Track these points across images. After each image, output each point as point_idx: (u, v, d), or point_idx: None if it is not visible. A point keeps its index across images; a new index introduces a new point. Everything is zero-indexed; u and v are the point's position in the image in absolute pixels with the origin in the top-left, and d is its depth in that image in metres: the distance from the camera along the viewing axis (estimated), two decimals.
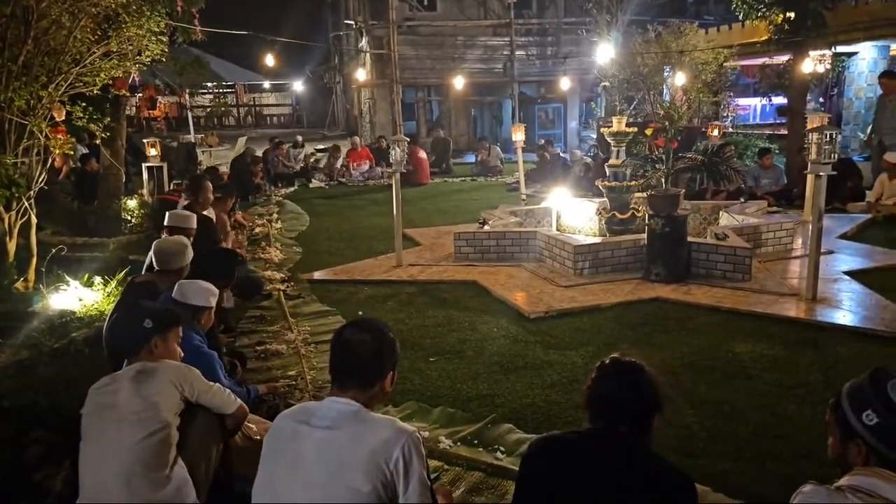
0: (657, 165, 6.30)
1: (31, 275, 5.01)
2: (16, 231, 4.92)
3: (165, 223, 4.41)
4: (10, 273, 4.81)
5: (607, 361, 1.82)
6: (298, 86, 26.68)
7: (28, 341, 4.12)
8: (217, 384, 2.46)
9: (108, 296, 4.81)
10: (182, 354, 2.52)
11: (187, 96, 15.99)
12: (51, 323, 4.34)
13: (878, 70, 12.40)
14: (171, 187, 8.89)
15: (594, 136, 14.68)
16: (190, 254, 3.59)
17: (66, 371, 3.84)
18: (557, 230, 6.93)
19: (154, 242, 3.71)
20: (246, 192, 10.17)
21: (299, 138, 13.47)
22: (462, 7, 18.02)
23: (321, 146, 14.29)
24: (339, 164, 12.81)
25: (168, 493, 2.09)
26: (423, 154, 12.47)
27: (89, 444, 2.15)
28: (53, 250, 5.23)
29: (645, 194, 6.16)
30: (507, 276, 5.76)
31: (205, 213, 5.20)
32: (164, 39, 5.89)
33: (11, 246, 4.89)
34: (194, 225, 4.44)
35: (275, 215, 8.97)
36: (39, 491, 2.68)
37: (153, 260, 3.60)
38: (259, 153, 12.23)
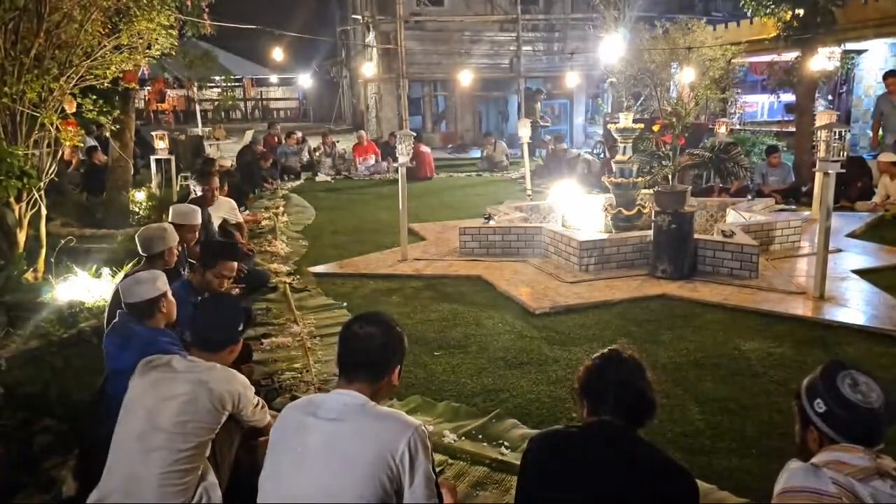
0: (664, 162, 6.29)
1: (41, 265, 5.05)
2: (26, 222, 4.96)
3: (170, 220, 4.42)
4: (20, 263, 4.85)
5: (607, 352, 1.84)
6: (305, 80, 26.65)
7: (37, 331, 4.17)
8: (259, 399, 2.44)
9: (115, 286, 4.84)
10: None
11: (195, 89, 16.04)
12: (60, 313, 4.38)
13: (887, 67, 12.31)
14: (180, 181, 8.91)
15: (600, 132, 14.63)
16: (171, 237, 3.58)
17: (74, 361, 3.89)
18: (563, 226, 6.92)
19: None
20: (252, 185, 10.19)
21: (299, 134, 13.48)
22: (469, 2, 17.96)
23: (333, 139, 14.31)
24: (326, 150, 12.99)
25: (197, 494, 2.10)
26: (425, 149, 12.52)
27: (126, 431, 2.12)
28: (62, 241, 5.28)
29: (651, 191, 6.15)
30: (512, 271, 5.76)
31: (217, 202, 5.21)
32: (174, 33, 5.92)
33: (22, 237, 4.93)
34: (198, 221, 4.43)
35: (281, 208, 8.99)
36: (47, 480, 2.70)
37: (139, 249, 3.59)
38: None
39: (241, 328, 2.42)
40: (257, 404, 2.40)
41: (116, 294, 3.57)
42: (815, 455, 1.65)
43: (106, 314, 3.57)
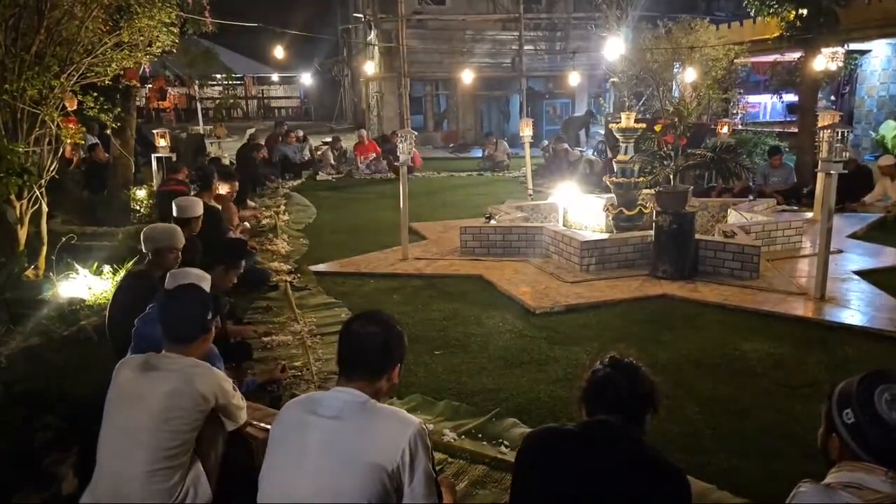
0: (665, 162, 6.28)
1: (42, 263, 5.06)
2: (27, 219, 4.96)
3: (173, 213, 4.45)
4: (21, 261, 4.85)
5: (605, 359, 1.84)
6: (307, 78, 26.66)
7: (38, 328, 4.17)
8: (239, 394, 2.41)
9: (116, 284, 4.85)
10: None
11: (197, 87, 16.05)
12: (60, 310, 4.38)
13: (890, 68, 12.31)
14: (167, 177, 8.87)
15: (602, 132, 14.62)
16: (179, 239, 3.58)
17: (75, 358, 3.89)
18: (564, 226, 6.92)
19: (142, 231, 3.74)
20: (253, 184, 10.18)
21: (300, 132, 13.51)
22: (471, 1, 17.97)
23: (327, 139, 14.32)
24: (335, 154, 13.00)
25: (184, 489, 2.09)
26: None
27: (111, 430, 2.11)
28: (63, 239, 5.28)
29: (653, 191, 6.14)
30: (512, 271, 5.76)
31: (212, 202, 5.23)
32: (175, 31, 5.91)
33: (23, 234, 4.93)
34: (200, 211, 4.48)
35: (282, 207, 9.00)
36: (47, 477, 2.70)
37: (143, 247, 3.61)
38: (262, 140, 12.31)
39: (209, 317, 2.35)
40: (237, 399, 2.35)
41: (121, 287, 3.59)
42: (833, 463, 1.57)
43: (109, 310, 3.57)
